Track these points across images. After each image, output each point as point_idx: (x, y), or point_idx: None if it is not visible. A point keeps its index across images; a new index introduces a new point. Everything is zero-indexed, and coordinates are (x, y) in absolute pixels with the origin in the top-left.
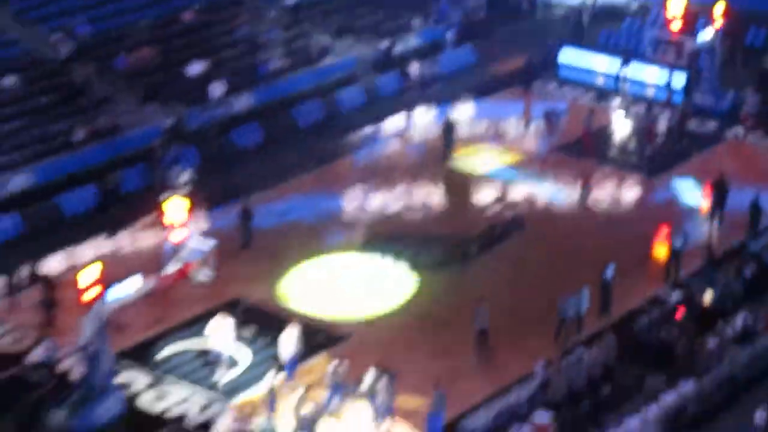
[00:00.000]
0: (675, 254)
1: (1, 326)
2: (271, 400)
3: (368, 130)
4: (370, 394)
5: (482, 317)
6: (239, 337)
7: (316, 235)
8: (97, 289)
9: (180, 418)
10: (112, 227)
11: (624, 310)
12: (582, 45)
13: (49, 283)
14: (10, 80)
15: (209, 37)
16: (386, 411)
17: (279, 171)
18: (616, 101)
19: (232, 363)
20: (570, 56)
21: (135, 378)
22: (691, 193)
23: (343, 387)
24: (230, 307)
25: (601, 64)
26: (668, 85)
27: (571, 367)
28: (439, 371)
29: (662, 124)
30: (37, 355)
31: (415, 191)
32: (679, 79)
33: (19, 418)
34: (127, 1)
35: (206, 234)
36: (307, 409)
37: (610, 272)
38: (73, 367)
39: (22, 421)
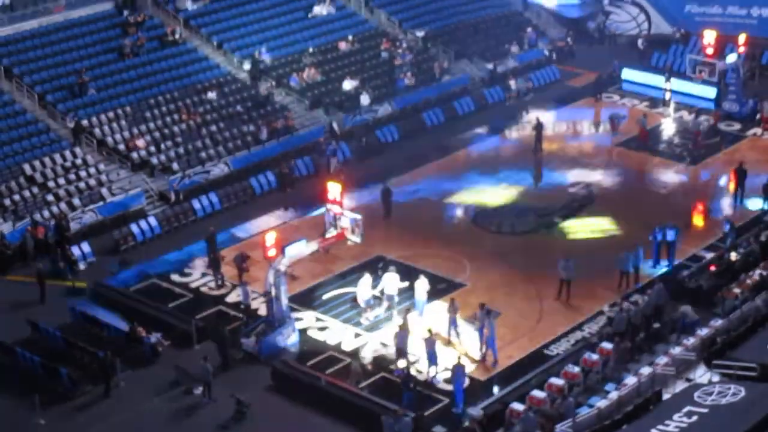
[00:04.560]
0: (670, 245)
1: (207, 276)
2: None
3: (478, 129)
4: (479, 327)
5: (568, 270)
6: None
7: (440, 208)
8: (276, 249)
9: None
10: (288, 202)
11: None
12: (638, 64)
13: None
14: (212, 94)
15: (359, 60)
16: (489, 341)
17: (411, 160)
18: (664, 108)
19: (375, 304)
20: (629, 73)
21: (305, 315)
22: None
23: (458, 321)
24: (375, 262)
25: (653, 80)
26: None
27: (630, 308)
28: (530, 310)
29: (700, 125)
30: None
31: (513, 174)
32: (711, 92)
33: (220, 342)
34: (297, 34)
35: (357, 207)
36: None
37: (659, 235)
38: (260, 306)
39: (222, 345)
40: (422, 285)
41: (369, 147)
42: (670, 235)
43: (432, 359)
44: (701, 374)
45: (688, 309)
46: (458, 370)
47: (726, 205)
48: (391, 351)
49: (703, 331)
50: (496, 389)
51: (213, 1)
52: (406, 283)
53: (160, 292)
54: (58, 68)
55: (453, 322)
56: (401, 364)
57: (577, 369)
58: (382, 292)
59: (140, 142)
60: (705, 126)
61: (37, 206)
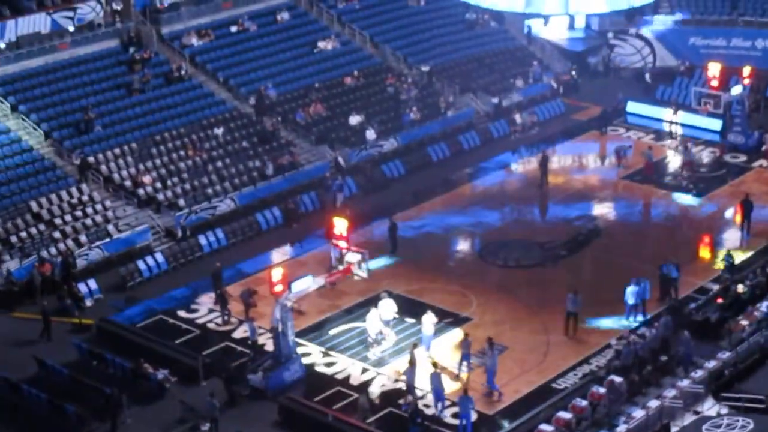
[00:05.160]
0: (673, 281)
1: (214, 312)
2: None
3: (483, 164)
4: (486, 362)
5: (576, 303)
6: (388, 320)
7: (445, 243)
8: (282, 284)
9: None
10: (294, 238)
11: (678, 296)
12: (644, 97)
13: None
14: (219, 130)
15: (365, 95)
16: (489, 373)
17: (416, 195)
18: (670, 141)
19: (382, 339)
20: (634, 106)
21: (312, 350)
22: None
23: (469, 356)
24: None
25: (658, 112)
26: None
27: (637, 341)
28: (537, 344)
29: (705, 158)
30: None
31: (519, 209)
32: (717, 124)
33: (227, 378)
34: (303, 69)
35: (363, 242)
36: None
37: (665, 269)
38: (267, 341)
39: (229, 381)
40: (429, 320)
41: (374, 180)
42: (674, 271)
43: (438, 394)
44: (709, 407)
45: (686, 336)
46: (466, 402)
47: (730, 237)
48: (397, 386)
49: (711, 364)
50: (505, 423)
51: (218, 38)
52: (395, 308)
53: (167, 328)
54: (64, 105)
55: (466, 358)
56: (408, 398)
57: (584, 402)
58: (379, 318)
59: (146, 179)
60: (698, 156)
61: (44, 243)
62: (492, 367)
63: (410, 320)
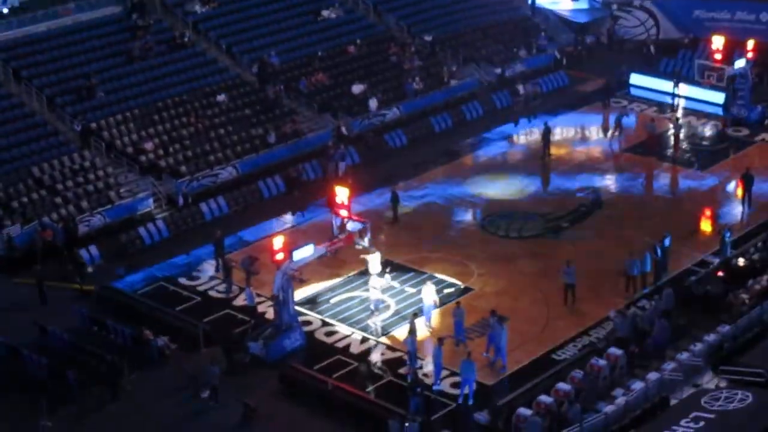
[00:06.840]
0: (658, 262)
1: (215, 279)
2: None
3: (485, 134)
4: (489, 333)
5: (569, 275)
6: (388, 289)
7: (446, 213)
8: (284, 253)
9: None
10: (296, 206)
11: (679, 269)
12: (647, 70)
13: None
14: (221, 97)
15: (368, 64)
16: (501, 348)
17: (419, 165)
18: (672, 113)
19: (383, 309)
20: (638, 78)
21: (312, 318)
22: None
23: (462, 323)
24: (382, 266)
25: (661, 85)
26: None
27: (636, 313)
28: (537, 315)
29: (708, 131)
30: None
31: (520, 180)
32: (720, 97)
33: (227, 346)
34: (304, 38)
35: (364, 211)
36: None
37: (667, 241)
38: (267, 309)
39: (229, 349)
40: (429, 290)
41: (376, 149)
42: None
43: (439, 370)
44: (708, 380)
45: (664, 324)
46: (468, 367)
47: (731, 211)
48: (397, 355)
49: (711, 337)
50: (502, 394)
51: (221, 5)
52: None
53: (168, 295)
54: (66, 71)
55: (458, 326)
56: (409, 368)
57: (583, 374)
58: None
59: (148, 145)
60: (681, 130)
61: (45, 209)
62: (500, 343)
63: (410, 290)
